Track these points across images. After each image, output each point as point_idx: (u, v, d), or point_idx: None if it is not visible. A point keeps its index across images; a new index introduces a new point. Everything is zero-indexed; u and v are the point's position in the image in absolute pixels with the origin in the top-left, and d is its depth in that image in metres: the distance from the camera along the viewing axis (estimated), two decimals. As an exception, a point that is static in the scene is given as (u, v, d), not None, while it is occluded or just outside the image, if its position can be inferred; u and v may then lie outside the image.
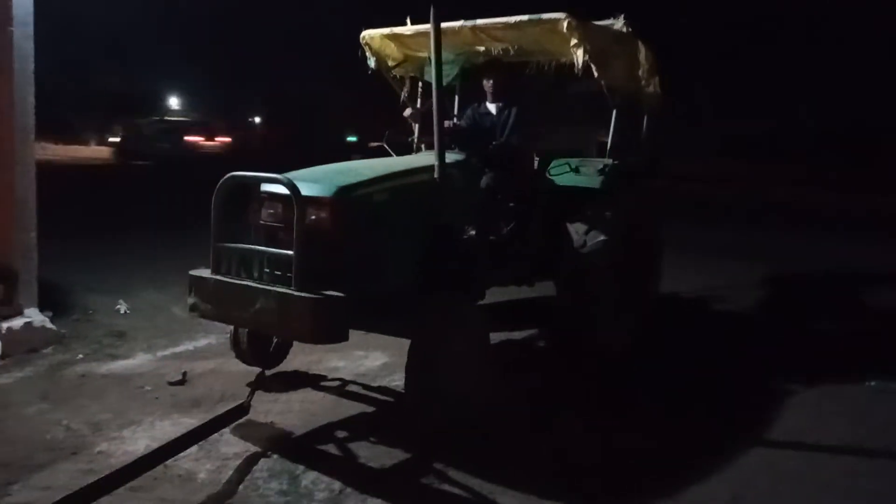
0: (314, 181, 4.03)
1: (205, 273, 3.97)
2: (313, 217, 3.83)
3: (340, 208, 3.88)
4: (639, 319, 5.75)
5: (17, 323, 5.01)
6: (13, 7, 4.99)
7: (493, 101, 5.36)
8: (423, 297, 4.14)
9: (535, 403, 4.62)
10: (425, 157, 4.86)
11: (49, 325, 5.22)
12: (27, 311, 5.15)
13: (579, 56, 4.74)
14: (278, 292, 3.64)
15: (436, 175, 4.22)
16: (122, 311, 6.07)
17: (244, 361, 4.68)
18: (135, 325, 5.74)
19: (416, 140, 5.90)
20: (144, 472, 3.37)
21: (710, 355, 5.74)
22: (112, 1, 33.58)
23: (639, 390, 4.94)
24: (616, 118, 5.33)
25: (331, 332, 3.70)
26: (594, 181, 5.23)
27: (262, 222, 4.13)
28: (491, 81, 5.33)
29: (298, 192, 3.65)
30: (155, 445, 3.73)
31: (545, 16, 4.83)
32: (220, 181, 3.93)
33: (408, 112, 5.49)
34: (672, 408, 4.60)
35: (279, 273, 3.76)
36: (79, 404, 4.23)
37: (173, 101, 47.14)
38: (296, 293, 3.58)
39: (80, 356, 5.01)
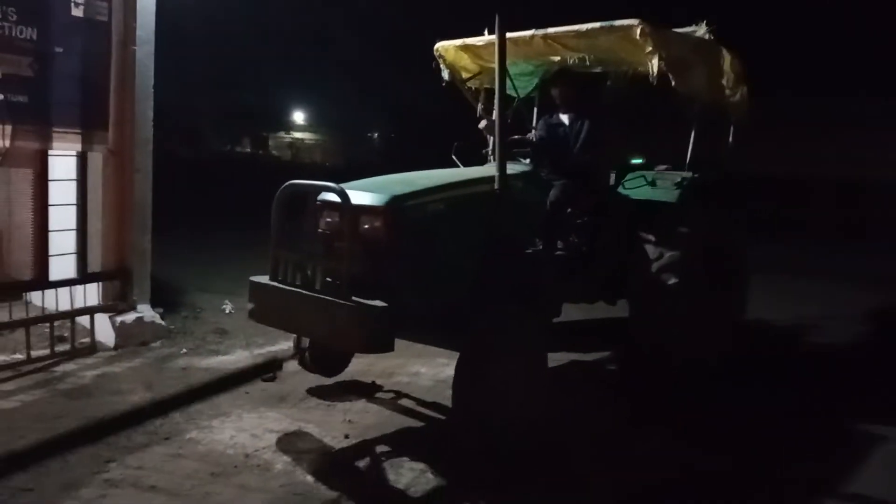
0: (368, 190, 4.02)
1: (264, 279, 4.03)
2: (366, 226, 3.86)
3: (392, 218, 3.84)
4: (720, 342, 5.41)
5: (129, 318, 5.44)
6: (136, 28, 5.46)
7: (565, 112, 5.23)
8: (474, 310, 3.96)
9: (593, 427, 4.44)
10: (489, 169, 4.76)
11: (159, 320, 5.64)
12: (140, 308, 5.57)
13: (654, 64, 4.54)
14: (327, 301, 3.65)
15: (496, 186, 4.15)
16: (227, 311, 6.46)
17: (306, 368, 4.70)
18: (237, 324, 6.07)
19: (490, 152, 5.70)
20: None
21: (792, 394, 5.28)
22: (247, 22, 35.57)
23: (706, 417, 4.68)
24: (696, 129, 5.14)
25: (374, 342, 3.66)
26: (670, 195, 5.04)
27: (319, 230, 4.18)
28: (561, 91, 5.21)
29: (349, 200, 3.71)
30: (239, 436, 3.99)
31: (618, 23, 4.66)
32: (280, 189, 4.01)
33: (483, 124, 5.35)
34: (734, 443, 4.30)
35: (330, 281, 3.78)
36: (178, 394, 4.54)
37: (298, 117, 49.43)
38: (341, 302, 3.59)
39: (184, 350, 5.36)
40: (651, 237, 4.92)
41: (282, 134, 43.18)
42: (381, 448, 4.01)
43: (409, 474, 3.71)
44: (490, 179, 4.21)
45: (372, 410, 4.53)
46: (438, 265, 3.96)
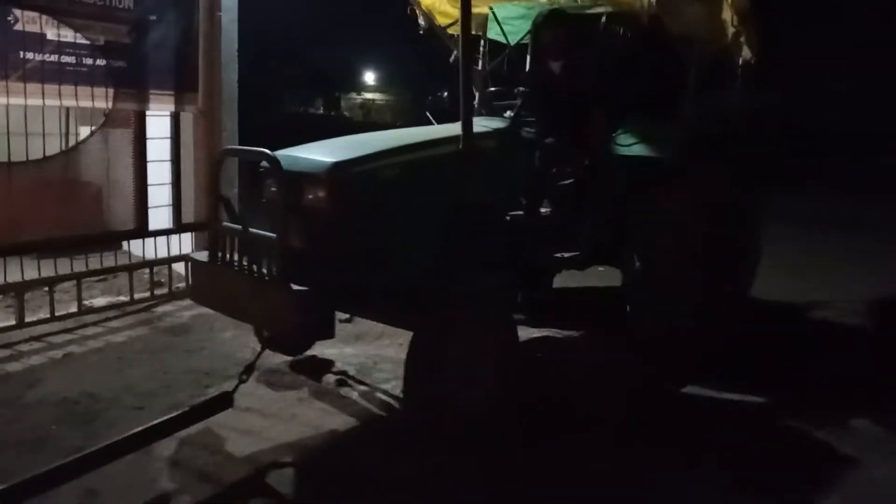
0: (313, 155, 3.57)
1: (202, 256, 3.66)
2: (309, 196, 3.39)
3: (335, 186, 3.33)
4: (724, 316, 4.77)
5: (220, 264, 5.95)
6: (222, -4, 5.86)
7: (556, 60, 4.70)
8: (433, 285, 3.50)
9: (571, 414, 3.91)
10: (458, 127, 3.88)
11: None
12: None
13: (644, 3, 4.05)
14: (258, 282, 3.25)
15: (461, 146, 3.66)
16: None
17: (268, 348, 4.06)
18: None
19: (476, 105, 5.12)
20: (128, 453, 3.12)
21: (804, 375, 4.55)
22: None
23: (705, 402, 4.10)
24: (695, 76, 4.50)
25: (305, 328, 3.29)
26: (665, 152, 4.40)
27: (263, 201, 3.68)
28: (551, 36, 4.70)
29: (280, 167, 3.27)
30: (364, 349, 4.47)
31: None
32: (216, 156, 3.70)
33: None
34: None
35: (268, 259, 3.28)
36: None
37: (369, 77, 49.83)
38: (274, 284, 3.18)
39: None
40: (644, 199, 4.43)
41: (353, 95, 43.73)
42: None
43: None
44: (457, 139, 3.70)
45: (276, 412, 4.04)
46: (393, 237, 3.45)
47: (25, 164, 4.82)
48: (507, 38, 5.28)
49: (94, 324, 5.11)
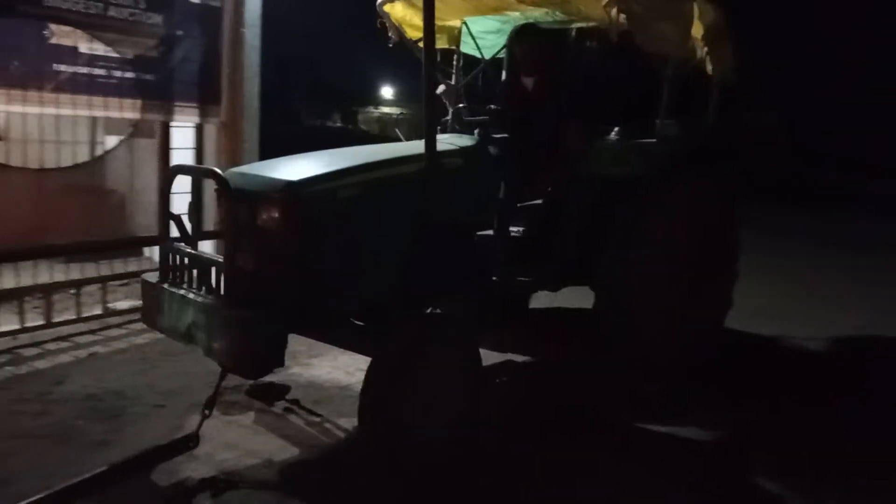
0: (268, 173, 3.43)
1: (152, 277, 3.50)
2: (262, 216, 3.22)
3: (288, 206, 3.15)
4: (699, 333, 4.72)
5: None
6: (245, 12, 6.07)
7: (528, 74, 4.60)
8: (394, 309, 3.44)
9: (543, 441, 3.81)
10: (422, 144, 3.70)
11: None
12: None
13: (613, 17, 3.94)
14: (205, 305, 3.08)
15: (425, 164, 3.50)
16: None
17: (228, 371, 3.57)
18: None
19: (449, 121, 4.98)
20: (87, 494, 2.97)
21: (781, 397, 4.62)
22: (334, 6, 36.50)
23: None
24: (668, 92, 4.44)
25: (255, 358, 3.05)
26: (640, 168, 4.30)
27: (220, 222, 3.48)
28: (523, 50, 4.59)
29: (228, 187, 3.12)
30: (334, 373, 4.54)
31: None
32: (165, 174, 3.55)
33: (441, 89, 4.60)
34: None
35: (212, 284, 3.17)
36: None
37: (386, 91, 50.23)
38: (220, 307, 3.02)
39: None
40: (619, 216, 4.34)
41: (370, 109, 44.12)
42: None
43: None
44: (422, 157, 3.54)
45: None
46: (352, 259, 3.30)
47: (56, 171, 5.04)
48: (481, 53, 5.17)
49: (118, 326, 5.31)
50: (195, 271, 3.26)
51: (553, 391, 4.59)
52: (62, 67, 4.86)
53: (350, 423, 3.79)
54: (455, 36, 5.21)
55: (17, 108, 4.71)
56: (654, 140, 4.46)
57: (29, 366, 4.49)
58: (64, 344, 4.90)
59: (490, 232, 4.12)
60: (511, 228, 4.25)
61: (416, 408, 3.17)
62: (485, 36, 5.21)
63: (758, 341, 5.81)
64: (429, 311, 3.54)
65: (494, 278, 4.10)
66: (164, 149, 5.69)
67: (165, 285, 3.34)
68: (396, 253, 3.50)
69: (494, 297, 4.24)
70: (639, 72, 4.58)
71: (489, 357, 4.60)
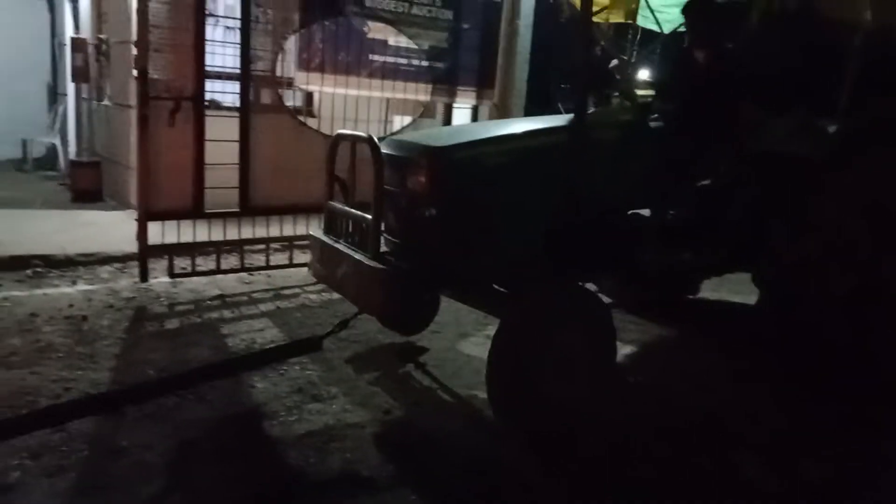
0: (418, 140, 3.65)
1: (319, 233, 3.78)
2: (410, 180, 3.39)
3: (434, 171, 3.31)
4: (882, 337, 3.91)
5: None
6: (521, 4, 6.80)
7: (700, 48, 4.32)
8: (525, 276, 3.42)
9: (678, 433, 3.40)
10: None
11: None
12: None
13: None
14: (353, 259, 3.32)
15: (573, 135, 3.50)
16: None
17: (385, 326, 4.26)
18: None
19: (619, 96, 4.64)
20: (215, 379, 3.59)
21: None
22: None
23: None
24: (853, 66, 3.97)
25: (396, 308, 3.36)
26: (819, 149, 3.93)
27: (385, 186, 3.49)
28: (695, 22, 4.33)
29: (378, 150, 3.30)
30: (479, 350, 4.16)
31: None
32: (332, 139, 3.82)
33: (613, 63, 4.48)
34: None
35: (361, 238, 3.42)
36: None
37: (642, 75, 49.25)
38: (365, 261, 3.24)
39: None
40: (793, 201, 3.98)
41: (639, 93, 43.69)
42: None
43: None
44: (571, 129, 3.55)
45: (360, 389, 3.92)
46: (492, 226, 3.33)
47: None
48: (660, 27, 4.95)
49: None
50: (353, 227, 3.51)
51: (695, 397, 3.90)
52: (376, 57, 5.91)
53: (471, 394, 3.67)
54: (632, 10, 5.23)
55: (340, 91, 5.80)
56: (836, 118, 4.03)
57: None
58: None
59: (646, 211, 3.96)
60: (670, 208, 4.07)
61: (538, 379, 3.09)
62: (665, 9, 5.03)
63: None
64: (563, 282, 3.49)
65: (647, 259, 3.91)
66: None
67: (325, 239, 3.65)
68: (537, 223, 3.47)
69: (648, 279, 4.09)
70: (821, 44, 4.11)
71: (631, 345, 4.52)
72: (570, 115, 3.68)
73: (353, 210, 3.54)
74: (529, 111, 7.17)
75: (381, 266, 3.18)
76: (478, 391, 3.56)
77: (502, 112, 6.87)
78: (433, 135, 3.96)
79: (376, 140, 3.37)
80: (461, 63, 6.49)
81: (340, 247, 3.49)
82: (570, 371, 3.17)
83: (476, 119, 6.85)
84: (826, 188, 3.92)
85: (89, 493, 2.60)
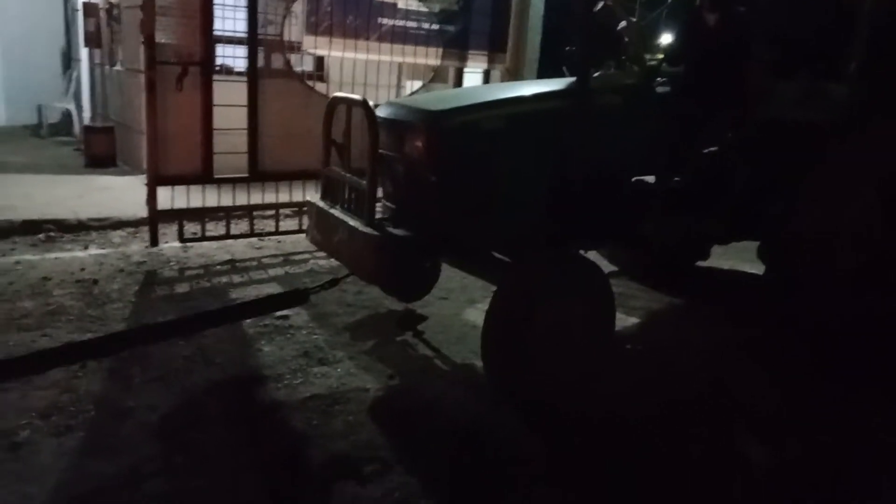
0: (416, 105, 3.53)
1: (316, 199, 3.76)
2: (408, 145, 3.30)
3: (430, 136, 3.20)
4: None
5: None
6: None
7: (709, 9, 4.16)
8: (525, 243, 3.36)
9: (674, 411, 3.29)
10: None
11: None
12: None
13: None
14: (349, 225, 3.28)
15: (576, 100, 3.39)
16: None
17: (384, 291, 4.19)
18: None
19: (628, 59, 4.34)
20: (206, 328, 3.76)
21: None
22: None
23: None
24: (865, 28, 3.81)
25: (391, 276, 3.30)
26: (830, 114, 3.78)
27: (381, 151, 3.36)
28: None
29: (373, 114, 3.24)
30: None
31: None
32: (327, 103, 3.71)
33: (622, 25, 4.24)
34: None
35: (357, 205, 3.38)
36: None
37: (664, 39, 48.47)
38: (360, 228, 3.20)
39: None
40: (803, 169, 3.84)
41: (647, 56, 43.11)
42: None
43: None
44: (572, 93, 3.48)
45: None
46: (491, 192, 3.26)
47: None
48: None
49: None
50: (347, 192, 3.46)
51: (698, 368, 3.79)
52: (385, 21, 5.85)
53: (474, 362, 3.58)
54: None
55: (349, 55, 5.76)
56: (846, 83, 3.91)
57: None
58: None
59: (650, 177, 3.84)
60: (675, 174, 3.93)
61: (533, 348, 3.01)
62: None
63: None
64: (561, 249, 3.42)
65: (650, 225, 3.83)
66: (457, 92, 6.55)
67: (321, 204, 3.61)
68: (537, 190, 3.36)
69: (651, 246, 3.99)
70: (832, 5, 4.04)
71: (636, 314, 4.50)
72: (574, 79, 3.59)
73: (349, 175, 3.47)
74: (543, 75, 7.10)
75: (375, 233, 3.14)
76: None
77: (514, 76, 6.80)
78: (432, 98, 3.92)
79: (371, 104, 3.29)
80: (472, 26, 6.42)
81: (336, 213, 3.46)
82: (566, 340, 3.10)
83: (487, 83, 6.78)
84: (836, 157, 3.80)
85: (96, 454, 2.65)
